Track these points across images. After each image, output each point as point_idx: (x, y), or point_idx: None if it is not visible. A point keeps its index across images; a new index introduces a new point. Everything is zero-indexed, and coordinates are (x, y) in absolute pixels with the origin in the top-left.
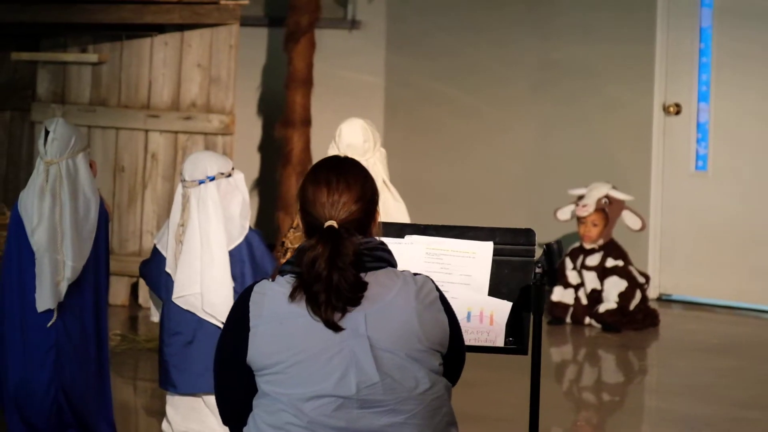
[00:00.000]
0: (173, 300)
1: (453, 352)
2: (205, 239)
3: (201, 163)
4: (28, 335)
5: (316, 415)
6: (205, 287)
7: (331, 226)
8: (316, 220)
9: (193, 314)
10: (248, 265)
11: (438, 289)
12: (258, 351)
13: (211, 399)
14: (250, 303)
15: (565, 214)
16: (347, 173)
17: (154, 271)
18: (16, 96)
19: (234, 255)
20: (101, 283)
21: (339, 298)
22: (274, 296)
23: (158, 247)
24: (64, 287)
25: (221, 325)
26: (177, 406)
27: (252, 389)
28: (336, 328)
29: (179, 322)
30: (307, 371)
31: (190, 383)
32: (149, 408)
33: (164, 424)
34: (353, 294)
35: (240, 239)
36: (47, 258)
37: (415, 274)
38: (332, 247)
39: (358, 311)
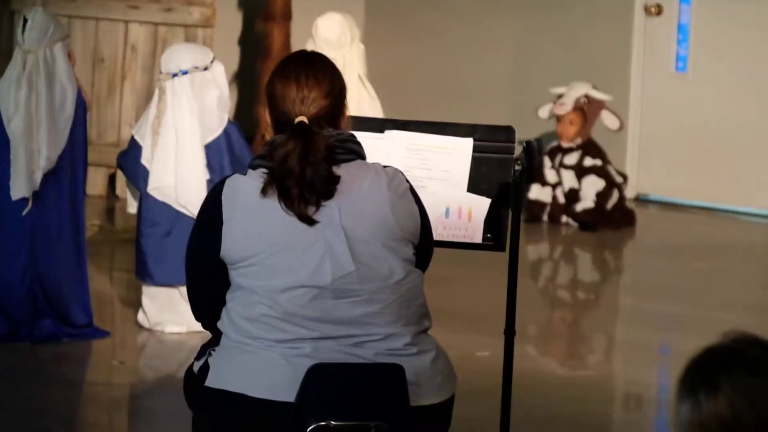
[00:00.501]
0: (149, 191)
1: (423, 243)
2: (180, 132)
3: (176, 56)
4: (2, 224)
5: (292, 305)
6: (179, 180)
7: (302, 122)
8: (286, 116)
9: (171, 206)
10: (227, 157)
11: (408, 181)
12: (232, 244)
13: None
14: (223, 197)
15: (545, 112)
16: (315, 68)
17: (132, 162)
18: None
19: (212, 147)
20: (78, 173)
21: (312, 192)
22: (246, 190)
23: (136, 137)
24: (38, 176)
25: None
26: (153, 297)
27: (225, 284)
28: (310, 221)
29: (157, 214)
30: (283, 262)
31: (167, 274)
32: (125, 298)
33: (140, 315)
34: (326, 188)
35: (218, 131)
36: (22, 147)
37: (385, 167)
38: (304, 143)
39: (331, 203)
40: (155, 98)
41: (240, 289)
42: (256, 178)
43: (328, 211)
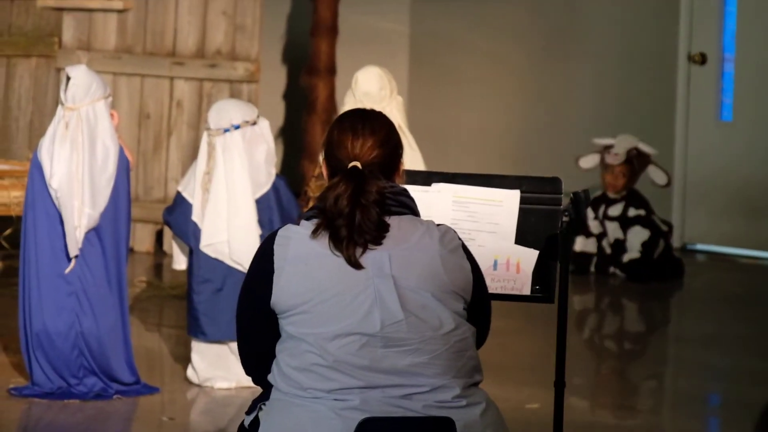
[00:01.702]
0: (201, 248)
1: (477, 301)
2: (230, 187)
3: (226, 111)
4: (47, 282)
5: (341, 354)
6: (231, 235)
7: (354, 166)
8: (341, 162)
9: (222, 262)
10: (276, 212)
11: (460, 239)
12: (283, 292)
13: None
14: (275, 246)
15: (588, 162)
16: (372, 120)
17: (181, 219)
18: (41, 43)
19: (262, 202)
20: (120, 231)
21: (361, 234)
22: (299, 238)
23: (184, 194)
24: (81, 234)
25: None
26: (203, 354)
27: (275, 335)
28: (357, 265)
29: (208, 270)
30: (333, 309)
31: (220, 331)
32: (174, 354)
33: (189, 371)
34: (376, 232)
35: (267, 187)
36: (67, 205)
37: (438, 224)
38: (355, 186)
39: (382, 251)
40: (203, 154)
41: (290, 339)
42: (308, 227)
43: (378, 259)
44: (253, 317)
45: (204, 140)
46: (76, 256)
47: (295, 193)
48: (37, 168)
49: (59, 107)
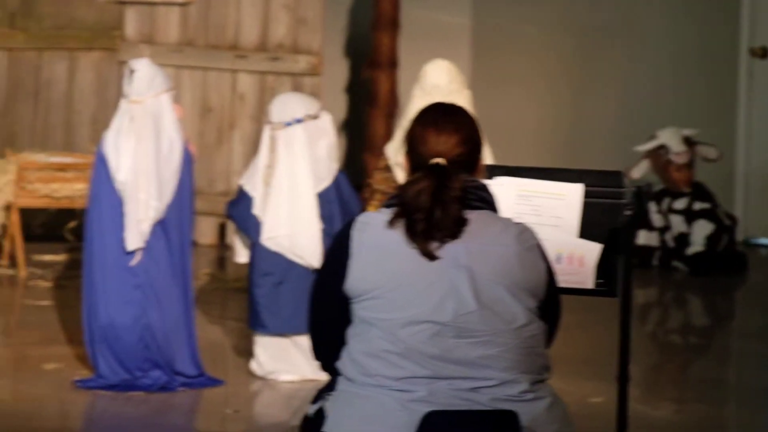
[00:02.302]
0: (262, 241)
1: (549, 300)
2: (292, 181)
3: (288, 105)
4: (113, 274)
5: (412, 341)
6: (293, 230)
7: (437, 163)
8: (423, 158)
9: (283, 255)
10: (337, 206)
11: (537, 238)
12: (357, 277)
13: (300, 340)
14: (353, 231)
15: (640, 170)
16: (455, 115)
17: (243, 212)
18: (104, 36)
19: (323, 196)
20: (185, 223)
21: (438, 230)
22: (376, 224)
23: (246, 188)
24: (147, 227)
25: (310, 266)
26: (266, 346)
27: (347, 321)
28: (432, 256)
29: (269, 263)
30: (405, 296)
31: (281, 324)
32: (237, 348)
33: (253, 364)
34: (454, 228)
35: (328, 181)
36: (132, 198)
37: (517, 222)
38: (437, 182)
39: (458, 243)
40: (264, 148)
41: (361, 324)
42: (387, 215)
43: (454, 251)
44: (327, 301)
45: (266, 134)
46: (142, 249)
47: (356, 186)
48: (101, 162)
49: (123, 101)
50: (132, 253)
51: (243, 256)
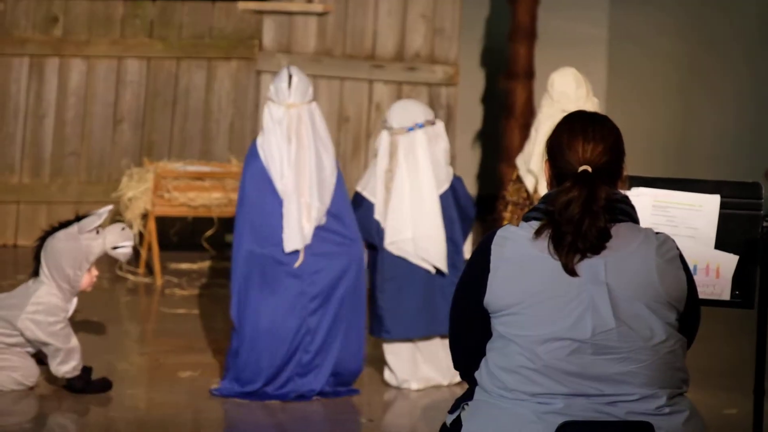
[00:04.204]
0: (385, 246)
1: (689, 311)
2: (415, 185)
3: (409, 110)
4: (275, 280)
5: (550, 358)
6: (417, 233)
7: (585, 170)
8: (570, 166)
9: (405, 259)
10: (454, 210)
11: (678, 249)
12: (496, 292)
13: (424, 345)
14: (493, 245)
15: None
16: (602, 123)
17: (363, 218)
18: (242, 45)
19: (442, 200)
20: (347, 234)
21: (584, 241)
22: (516, 239)
23: (363, 193)
24: (310, 229)
25: (433, 270)
26: (398, 355)
27: (486, 333)
28: (572, 272)
29: (392, 268)
30: (544, 313)
31: (403, 329)
32: (371, 356)
33: (387, 373)
34: (597, 241)
35: (447, 185)
36: (294, 200)
37: (657, 233)
38: (588, 192)
39: (598, 259)
40: (384, 153)
41: (500, 339)
42: (527, 229)
43: (594, 266)
44: (467, 314)
45: (384, 139)
46: (303, 251)
47: (492, 196)
48: (257, 166)
49: (272, 106)
50: (295, 256)
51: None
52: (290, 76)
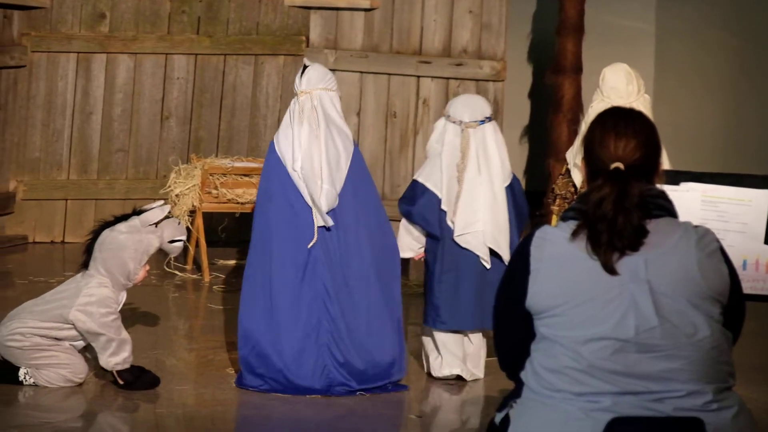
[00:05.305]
0: (455, 238)
1: (733, 304)
2: (486, 177)
3: (477, 104)
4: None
5: (594, 358)
6: (489, 225)
7: (617, 168)
8: (602, 163)
9: (464, 251)
10: (512, 205)
11: (718, 241)
12: (538, 294)
13: (474, 337)
14: (531, 247)
15: None
16: (634, 119)
17: (426, 209)
18: (289, 41)
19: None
20: (372, 220)
21: (620, 239)
22: (555, 240)
23: (427, 184)
24: (322, 209)
25: (489, 264)
26: (448, 344)
27: (530, 334)
28: (612, 271)
29: (453, 260)
30: (587, 313)
31: (459, 320)
32: (418, 352)
33: (434, 367)
34: (634, 238)
35: (509, 179)
36: (309, 182)
37: (696, 226)
38: (619, 189)
39: (637, 256)
40: (453, 146)
41: (544, 340)
42: (564, 229)
43: (634, 264)
44: (510, 315)
45: (452, 132)
46: (323, 228)
47: (540, 192)
48: (275, 159)
49: (293, 99)
50: (308, 251)
51: (410, 251)
52: (304, 67)
